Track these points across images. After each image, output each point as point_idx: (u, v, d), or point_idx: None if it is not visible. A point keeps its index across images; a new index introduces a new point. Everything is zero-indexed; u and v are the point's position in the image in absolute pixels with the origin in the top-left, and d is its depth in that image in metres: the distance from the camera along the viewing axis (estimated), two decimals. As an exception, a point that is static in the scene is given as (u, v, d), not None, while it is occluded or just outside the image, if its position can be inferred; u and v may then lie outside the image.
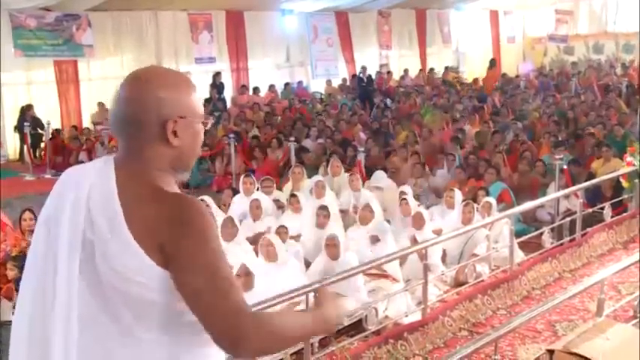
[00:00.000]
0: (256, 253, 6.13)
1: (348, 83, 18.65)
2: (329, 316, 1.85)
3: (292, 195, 7.59)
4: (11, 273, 5.30)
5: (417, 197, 8.22)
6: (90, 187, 1.71)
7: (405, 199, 7.35)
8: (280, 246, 5.81)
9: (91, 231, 1.68)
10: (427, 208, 7.79)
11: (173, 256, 1.65)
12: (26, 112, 13.48)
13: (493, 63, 21.06)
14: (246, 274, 5.36)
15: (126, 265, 1.65)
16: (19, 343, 1.74)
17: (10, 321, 4.16)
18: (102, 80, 14.99)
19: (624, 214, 7.97)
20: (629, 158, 8.15)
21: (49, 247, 1.71)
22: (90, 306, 1.69)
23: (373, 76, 18.76)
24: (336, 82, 18.76)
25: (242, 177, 8.02)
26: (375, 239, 6.42)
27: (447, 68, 21.04)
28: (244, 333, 1.62)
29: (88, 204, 1.69)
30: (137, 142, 1.75)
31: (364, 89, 17.47)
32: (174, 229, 1.65)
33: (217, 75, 16.48)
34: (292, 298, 4.64)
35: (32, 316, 1.72)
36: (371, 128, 12.74)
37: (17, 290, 4.24)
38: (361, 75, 18.31)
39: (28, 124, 12.99)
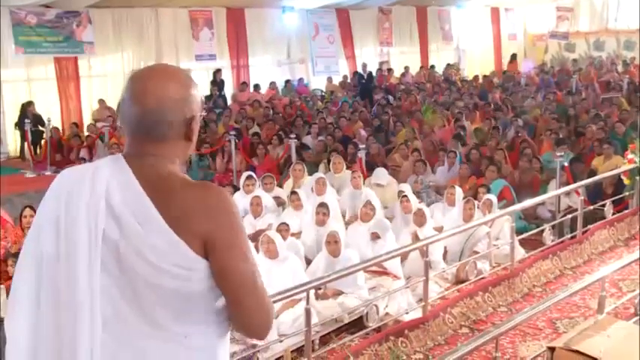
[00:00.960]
0: (257, 250, 6.13)
1: (348, 80, 18.64)
2: None
3: (293, 192, 7.59)
4: (12, 269, 5.32)
5: (417, 194, 8.22)
6: (107, 185, 1.69)
7: (405, 196, 7.34)
8: (281, 243, 5.81)
9: (117, 229, 1.66)
10: (428, 205, 7.79)
11: (215, 244, 1.67)
12: (27, 109, 13.47)
13: (514, 57, 21.37)
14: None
15: (165, 257, 1.65)
16: (20, 345, 1.69)
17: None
18: (102, 77, 15.00)
19: (625, 212, 7.97)
20: (630, 155, 8.14)
21: (60, 248, 1.67)
22: (115, 305, 1.67)
23: (374, 73, 18.74)
24: (336, 80, 18.74)
25: (243, 179, 8.00)
26: (375, 236, 6.42)
27: (448, 65, 21.02)
28: (270, 325, 1.78)
29: (109, 202, 1.67)
30: (160, 140, 1.75)
31: (364, 86, 17.45)
32: (215, 217, 1.68)
33: (218, 72, 16.47)
34: (292, 295, 4.64)
35: (40, 319, 1.68)
36: (372, 125, 12.73)
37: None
38: (361, 72, 18.29)
39: (29, 121, 12.98)
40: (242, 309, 1.71)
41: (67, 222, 1.68)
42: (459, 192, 7.59)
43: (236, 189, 8.12)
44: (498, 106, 13.79)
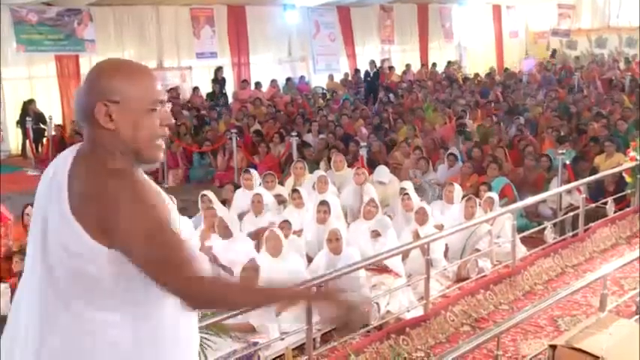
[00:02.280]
0: (257, 249, 6.13)
1: (349, 78, 18.63)
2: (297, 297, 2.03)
3: (294, 190, 7.59)
4: (17, 266, 5.35)
5: (419, 189, 8.22)
6: (53, 172, 1.83)
7: (407, 194, 7.33)
8: (284, 241, 5.82)
9: (50, 212, 1.78)
10: (428, 203, 7.77)
11: (112, 231, 1.71)
12: (28, 106, 13.48)
13: (554, 53, 21.68)
14: (254, 269, 5.34)
15: (69, 241, 1.73)
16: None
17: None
18: (103, 75, 14.97)
19: (627, 209, 7.95)
20: (632, 153, 8.13)
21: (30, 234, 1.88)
22: (46, 285, 1.79)
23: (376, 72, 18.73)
24: (337, 77, 18.73)
25: (242, 174, 8.03)
26: (375, 234, 6.42)
27: (449, 63, 21.00)
28: (201, 296, 1.78)
29: (49, 187, 1.81)
30: (86, 128, 1.85)
31: (370, 84, 17.44)
32: (105, 205, 1.71)
33: (219, 70, 16.47)
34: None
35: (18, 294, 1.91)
36: (373, 123, 12.72)
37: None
38: (368, 69, 18.28)
39: (31, 118, 12.99)
40: (162, 286, 1.75)
41: (33, 213, 1.88)
42: (457, 189, 7.58)
43: (237, 187, 8.12)
44: (500, 104, 13.78)
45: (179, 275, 1.74)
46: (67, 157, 1.83)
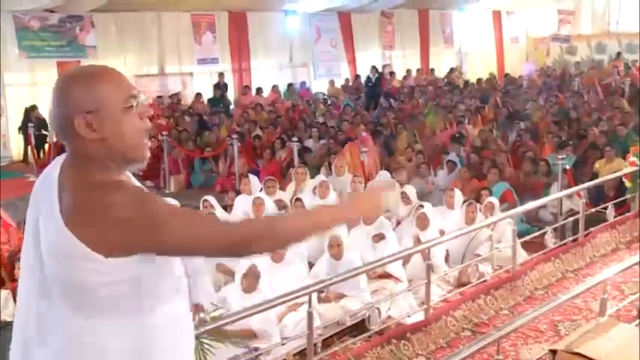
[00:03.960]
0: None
1: (350, 84, 18.65)
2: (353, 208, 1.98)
3: (297, 199, 7.59)
4: (19, 272, 5.34)
5: (429, 195, 8.24)
6: (42, 180, 1.84)
7: (408, 198, 7.35)
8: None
9: (41, 221, 1.78)
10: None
11: (124, 239, 1.69)
12: (30, 113, 13.48)
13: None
14: (254, 276, 5.35)
15: (61, 248, 1.71)
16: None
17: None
18: (105, 81, 14.99)
19: (627, 214, 7.95)
20: (632, 158, 8.14)
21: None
22: (41, 296, 1.80)
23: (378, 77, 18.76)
24: (338, 83, 18.76)
25: (242, 180, 8.05)
26: (379, 238, 6.43)
27: (452, 70, 21.06)
28: (242, 238, 1.79)
29: (40, 195, 1.82)
30: (65, 139, 1.83)
31: (372, 89, 17.46)
32: (105, 216, 1.69)
33: (221, 76, 16.50)
34: (295, 298, 4.65)
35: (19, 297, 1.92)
36: (373, 129, 12.72)
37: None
38: (369, 75, 18.30)
39: (32, 125, 13.00)
40: (226, 253, 1.85)
41: (26, 221, 1.87)
42: (458, 195, 7.59)
43: (239, 193, 8.14)
44: (500, 109, 13.79)
45: (231, 234, 1.78)
46: (55, 165, 1.84)
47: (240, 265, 5.56)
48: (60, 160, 1.86)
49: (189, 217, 1.79)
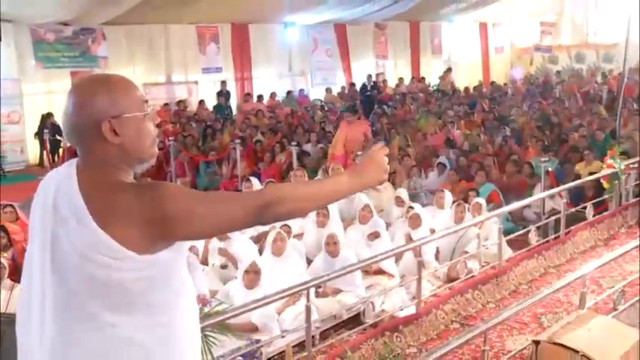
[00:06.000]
0: (260, 252, 6.13)
1: (346, 91, 18.68)
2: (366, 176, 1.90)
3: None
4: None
5: (414, 197, 8.24)
6: (55, 189, 1.76)
7: (402, 200, 7.36)
8: (287, 242, 5.86)
9: (61, 227, 1.71)
10: (423, 206, 7.78)
11: (170, 225, 1.67)
12: (46, 119, 13.50)
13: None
14: (255, 272, 5.35)
15: (91, 247, 1.67)
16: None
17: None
18: (116, 89, 15.00)
19: (605, 214, 7.97)
20: (609, 161, 8.15)
21: (28, 248, 1.80)
22: (58, 298, 1.71)
23: (373, 85, 18.78)
24: (334, 90, 18.78)
25: (244, 182, 8.04)
26: (373, 236, 6.43)
27: (447, 69, 21.14)
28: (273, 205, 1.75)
29: (55, 203, 1.74)
30: (85, 145, 1.78)
31: (368, 97, 17.48)
32: (156, 207, 1.67)
33: (223, 84, 16.53)
34: (294, 293, 4.65)
35: (21, 308, 1.80)
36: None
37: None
38: (365, 82, 18.29)
39: (48, 131, 13.00)
40: (259, 219, 1.76)
41: (30, 224, 1.80)
42: (448, 196, 7.60)
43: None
44: (487, 114, 13.81)
45: (260, 198, 1.75)
46: (68, 173, 1.78)
47: (243, 263, 5.56)
48: (66, 169, 1.81)
49: (217, 198, 1.79)
